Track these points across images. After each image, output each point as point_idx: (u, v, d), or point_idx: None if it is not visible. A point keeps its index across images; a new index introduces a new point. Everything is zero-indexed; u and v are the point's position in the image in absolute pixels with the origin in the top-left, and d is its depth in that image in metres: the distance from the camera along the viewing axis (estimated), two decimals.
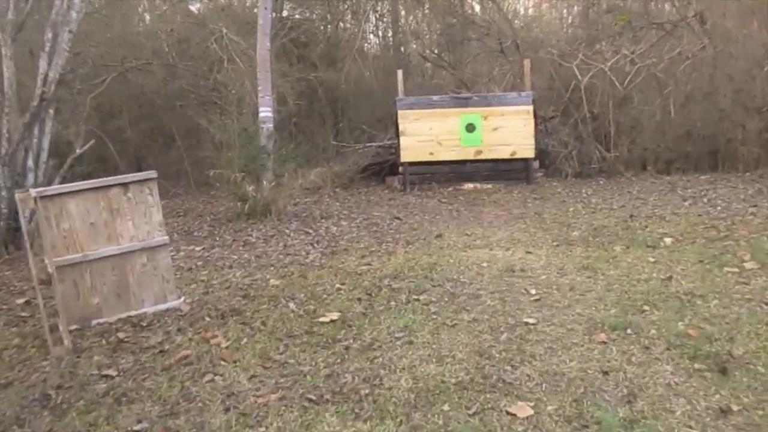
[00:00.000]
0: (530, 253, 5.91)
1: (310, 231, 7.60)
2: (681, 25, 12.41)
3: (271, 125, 8.41)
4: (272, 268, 5.81)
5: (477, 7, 19.16)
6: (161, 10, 12.18)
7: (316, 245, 6.79)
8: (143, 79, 11.29)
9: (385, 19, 20.52)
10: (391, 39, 21.29)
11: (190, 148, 12.27)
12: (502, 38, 15.69)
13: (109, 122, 11.58)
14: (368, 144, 11.85)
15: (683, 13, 12.68)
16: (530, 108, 10.30)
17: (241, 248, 6.86)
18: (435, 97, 10.45)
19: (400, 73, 10.46)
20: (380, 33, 21.47)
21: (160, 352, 3.76)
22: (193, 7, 14.21)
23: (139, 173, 4.62)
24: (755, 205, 7.31)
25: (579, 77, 11.25)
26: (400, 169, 10.72)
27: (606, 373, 3.14)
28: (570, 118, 11.67)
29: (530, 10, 21.77)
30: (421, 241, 6.72)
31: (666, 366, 3.18)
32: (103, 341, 4.02)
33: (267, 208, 8.29)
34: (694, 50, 11.20)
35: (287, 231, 7.65)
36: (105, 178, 4.56)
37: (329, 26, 14.78)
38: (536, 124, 10.48)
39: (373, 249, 6.45)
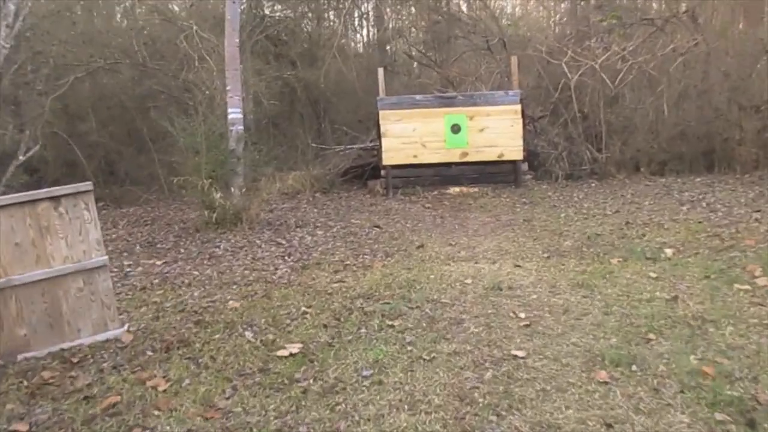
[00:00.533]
0: (519, 266, 5.39)
1: (283, 242, 7.05)
2: (672, 21, 11.98)
3: (240, 127, 7.84)
4: (234, 287, 5.24)
5: (464, 5, 18.70)
6: (131, 7, 11.53)
7: (287, 258, 6.24)
8: (111, 79, 10.67)
9: (369, 17, 20.03)
10: (375, 37, 20.79)
11: (162, 151, 11.66)
12: (489, 36, 15.25)
13: (76, 125, 10.94)
14: (349, 146, 11.31)
15: (674, 9, 12.26)
16: (518, 107, 9.80)
17: (205, 262, 6.29)
18: (418, 97, 9.93)
19: (381, 71, 9.93)
20: (364, 31, 20.98)
21: (86, 398, 3.19)
22: (169, 4, 13.61)
23: (72, 185, 4.04)
24: (758, 210, 6.85)
25: (568, 75, 10.79)
26: (383, 172, 10.19)
27: (610, 426, 2.62)
28: (559, 117, 11.20)
29: (517, 9, 21.33)
30: (401, 253, 6.19)
31: (681, 416, 2.67)
32: (24, 382, 3.45)
33: (237, 216, 7.71)
34: (687, 46, 10.76)
35: (258, 242, 7.09)
36: (33, 191, 3.98)
37: (310, 23, 14.20)
38: (524, 125, 10.00)
39: (349, 262, 5.91)
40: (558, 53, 11.57)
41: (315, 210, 9.25)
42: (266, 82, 12.31)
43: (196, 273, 5.82)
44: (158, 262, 6.44)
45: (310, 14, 13.45)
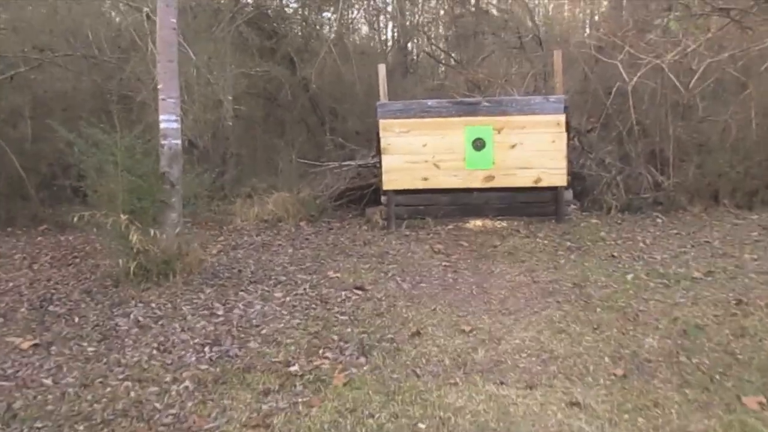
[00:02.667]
0: (576, 404, 3.07)
1: (220, 311, 4.84)
2: (754, 12, 9.47)
3: (177, 141, 5.66)
4: (82, 427, 3.04)
5: None
6: None
7: (206, 351, 4.03)
8: (43, 75, 8.64)
9: (387, 11, 17.84)
10: (392, 33, 18.59)
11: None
12: (522, 31, 12.93)
13: (10, 130, 8.94)
14: (345, 162, 9.07)
15: None
16: (562, 118, 7.45)
17: (89, 350, 4.13)
18: (431, 102, 7.64)
19: (382, 68, 7.68)
20: (377, 26, 18.79)
21: None
22: None
23: None
24: None
25: (625, 77, 8.35)
26: (383, 199, 7.93)
27: None
28: (612, 131, 8.81)
29: (551, 6, 18.80)
30: (383, 348, 3.93)
31: None
32: None
33: (169, 266, 5.53)
34: None
35: (186, 309, 4.90)
36: None
37: (303, 11, 12.00)
38: (569, 140, 7.63)
39: (296, 368, 3.67)
40: (611, 49, 9.18)
41: (289, 250, 7.03)
42: (248, 82, 10.19)
43: (48, 382, 3.62)
44: (24, 345, 4.29)
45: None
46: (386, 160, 7.72)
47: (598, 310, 4.50)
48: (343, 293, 5.19)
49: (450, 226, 7.81)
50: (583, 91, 9.51)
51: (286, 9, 12.19)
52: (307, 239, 7.64)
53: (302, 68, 10.39)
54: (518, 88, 10.44)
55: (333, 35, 10.03)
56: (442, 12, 17.15)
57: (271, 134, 11.64)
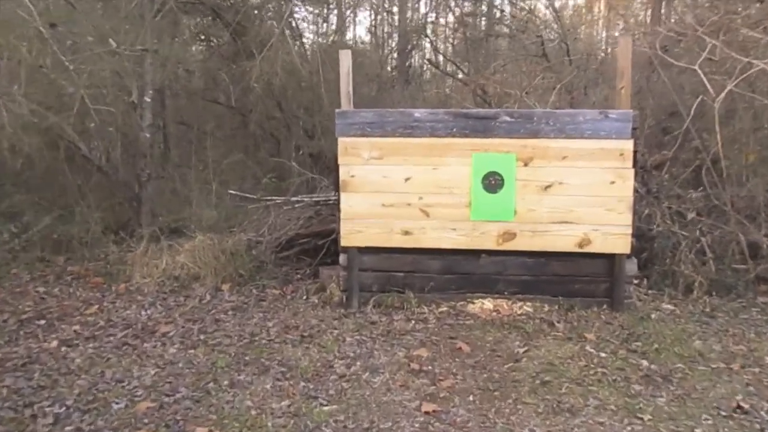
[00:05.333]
0: None
1: None
2: None
3: None
4: None
5: None
6: None
7: None
8: None
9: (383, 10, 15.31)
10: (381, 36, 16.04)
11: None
12: (545, 36, 10.35)
13: None
14: (295, 198, 6.27)
15: None
16: (629, 145, 4.65)
17: None
18: (419, 113, 4.83)
19: (345, 56, 4.86)
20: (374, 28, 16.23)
21: None
22: None
23: None
24: None
25: (710, 89, 5.54)
26: (342, 259, 5.11)
27: None
28: (688, 166, 5.99)
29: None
30: None
31: None
32: None
33: None
34: None
35: None
36: None
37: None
38: (636, 181, 4.80)
39: None
40: (687, 53, 6.47)
41: (172, 349, 4.23)
42: (183, 79, 7.48)
43: None
44: None
45: None
46: (347, 201, 4.91)
47: None
48: None
49: (443, 309, 4.97)
50: (639, 107, 6.72)
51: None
52: (216, 322, 4.81)
53: (260, 65, 7.61)
54: (542, 105, 7.71)
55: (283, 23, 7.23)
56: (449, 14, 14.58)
57: (216, 150, 8.87)
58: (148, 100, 7.07)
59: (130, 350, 4.19)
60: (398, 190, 4.86)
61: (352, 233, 4.94)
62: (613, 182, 4.69)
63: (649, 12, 12.95)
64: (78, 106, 5.11)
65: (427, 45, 15.82)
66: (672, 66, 6.61)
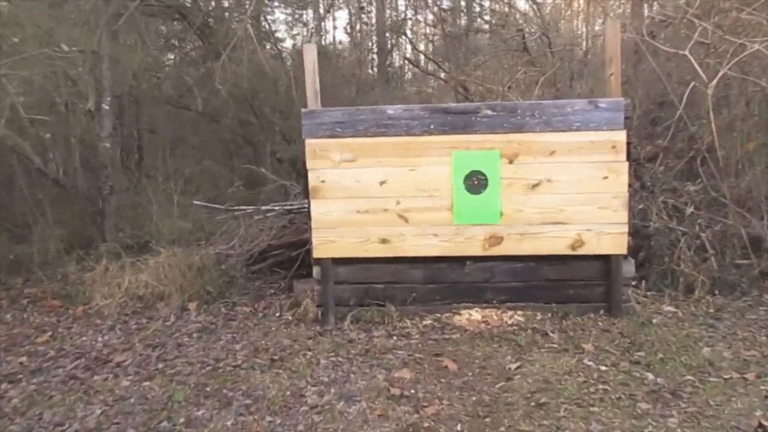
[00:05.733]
0: None
1: None
2: None
3: None
4: None
5: None
6: None
7: None
8: None
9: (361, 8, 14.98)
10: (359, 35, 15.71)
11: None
12: (526, 29, 10.06)
13: None
14: (266, 207, 5.84)
15: None
16: (621, 136, 4.28)
17: None
18: (393, 109, 4.43)
19: (310, 50, 4.44)
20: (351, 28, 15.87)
21: None
22: None
23: None
24: None
25: (702, 75, 5.20)
26: (315, 272, 4.68)
27: None
28: (682, 158, 5.64)
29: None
30: None
31: None
32: None
33: None
34: None
35: None
36: None
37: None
38: (630, 176, 4.42)
39: None
40: (675, 39, 6.15)
41: (125, 382, 3.78)
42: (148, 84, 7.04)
43: None
44: None
45: None
46: (318, 209, 4.49)
47: None
48: None
49: (427, 322, 4.57)
50: (625, 95, 6.38)
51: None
52: (179, 347, 4.37)
53: (226, 66, 7.16)
54: (527, 100, 7.35)
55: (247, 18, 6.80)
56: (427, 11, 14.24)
57: (188, 158, 8.42)
58: (107, 107, 6.61)
59: (78, 385, 3.75)
60: (373, 194, 4.46)
61: (325, 243, 4.52)
62: (605, 177, 4.32)
63: (629, 5, 12.67)
64: (10, 114, 4.62)
65: (407, 44, 15.48)
66: (659, 54, 6.30)
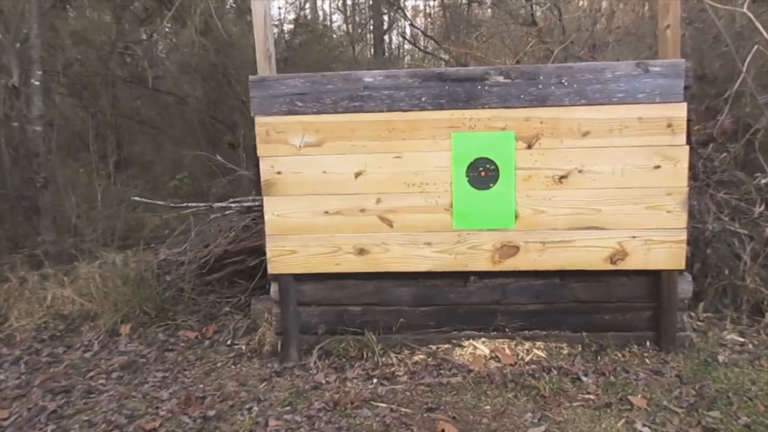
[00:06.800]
0: None
1: None
2: None
3: None
4: None
5: None
6: None
7: None
8: None
9: None
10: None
11: None
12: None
13: None
14: (220, 203, 4.73)
15: None
16: (680, 111, 3.14)
17: None
18: (371, 76, 3.30)
19: (258, 5, 3.31)
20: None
21: None
22: None
23: None
24: None
25: (763, 33, 4.04)
26: (272, 291, 3.58)
27: None
28: (737, 141, 4.51)
29: None
30: None
31: None
32: None
33: None
34: None
35: None
36: None
37: None
38: (691, 165, 3.29)
39: None
40: None
41: None
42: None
43: None
44: None
45: None
46: (273, 209, 3.38)
47: None
48: None
49: (418, 357, 3.48)
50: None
51: None
52: (88, 394, 3.30)
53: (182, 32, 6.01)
54: None
55: None
56: None
57: (145, 145, 7.30)
58: (37, 83, 5.47)
59: None
60: (346, 190, 3.35)
61: (282, 255, 3.42)
62: (657, 167, 3.20)
63: None
64: None
65: (404, 20, 14.33)
66: (704, 17, 5.19)
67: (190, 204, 4.64)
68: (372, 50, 15.25)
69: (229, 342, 3.94)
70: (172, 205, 4.73)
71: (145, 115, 7.86)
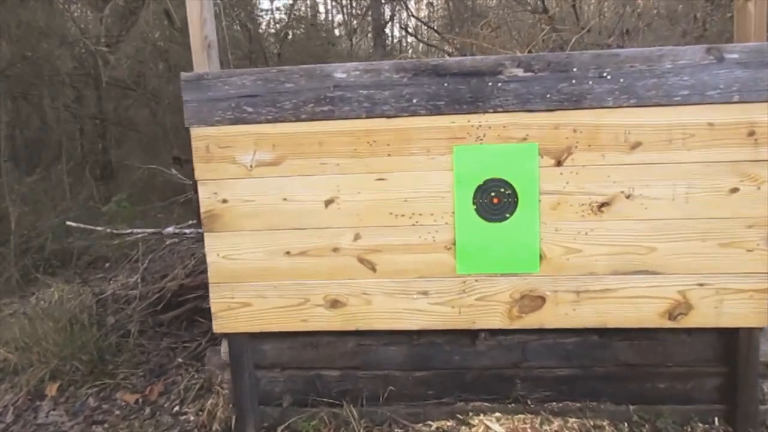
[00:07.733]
0: None
1: None
2: None
3: None
4: None
5: None
6: None
7: None
8: None
9: None
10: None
11: None
12: None
13: None
14: (171, 229, 3.91)
15: None
16: (766, 114, 2.26)
17: None
18: (343, 71, 2.45)
19: None
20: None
21: None
22: None
23: None
24: None
25: None
26: (223, 351, 2.75)
27: None
28: None
29: None
30: None
31: None
32: None
33: None
34: None
35: None
36: None
37: None
38: None
39: None
40: None
41: None
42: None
43: None
44: None
45: None
46: (217, 248, 2.55)
47: None
48: None
49: None
50: None
51: None
52: None
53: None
54: None
55: None
56: None
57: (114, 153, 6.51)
58: None
59: None
60: (314, 223, 2.51)
61: (232, 309, 2.60)
62: (735, 190, 2.35)
63: None
64: None
65: (405, 11, 13.45)
66: None
67: (135, 230, 3.81)
68: (372, 44, 14.43)
69: (175, 409, 3.13)
70: (115, 231, 3.90)
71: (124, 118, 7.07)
